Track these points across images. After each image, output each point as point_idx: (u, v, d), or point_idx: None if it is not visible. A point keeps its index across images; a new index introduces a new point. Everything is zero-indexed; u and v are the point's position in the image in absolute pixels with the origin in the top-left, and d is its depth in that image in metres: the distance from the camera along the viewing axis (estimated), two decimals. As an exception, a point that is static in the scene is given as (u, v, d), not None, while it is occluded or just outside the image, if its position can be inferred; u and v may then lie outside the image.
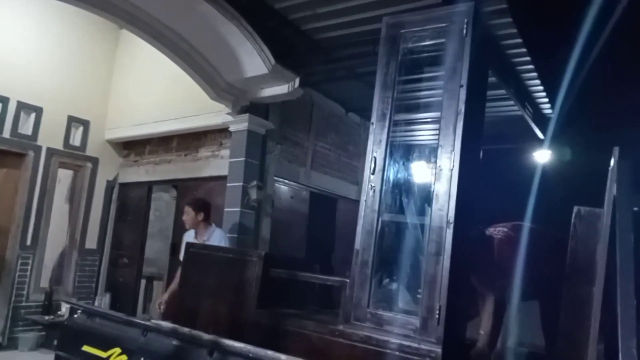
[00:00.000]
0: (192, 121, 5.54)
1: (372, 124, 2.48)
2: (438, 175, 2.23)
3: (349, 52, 4.84)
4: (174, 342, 2.11)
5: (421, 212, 2.31)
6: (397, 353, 2.08)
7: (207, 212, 4.01)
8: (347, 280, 2.36)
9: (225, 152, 5.57)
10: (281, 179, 5.62)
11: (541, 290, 2.66)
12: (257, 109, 5.10)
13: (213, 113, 5.24)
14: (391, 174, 2.42)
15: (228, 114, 5.02)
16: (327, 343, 2.28)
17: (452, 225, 2.15)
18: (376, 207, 2.37)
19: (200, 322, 2.68)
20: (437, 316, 2.10)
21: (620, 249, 1.60)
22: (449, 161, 2.21)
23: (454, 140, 2.23)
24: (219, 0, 3.82)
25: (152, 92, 6.12)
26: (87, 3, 3.74)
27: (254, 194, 4.92)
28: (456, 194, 2.17)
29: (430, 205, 2.25)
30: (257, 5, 4.10)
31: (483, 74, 2.62)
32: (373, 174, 2.41)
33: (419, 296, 2.19)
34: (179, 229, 5.01)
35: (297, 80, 4.70)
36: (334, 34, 4.53)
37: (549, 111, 5.96)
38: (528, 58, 4.61)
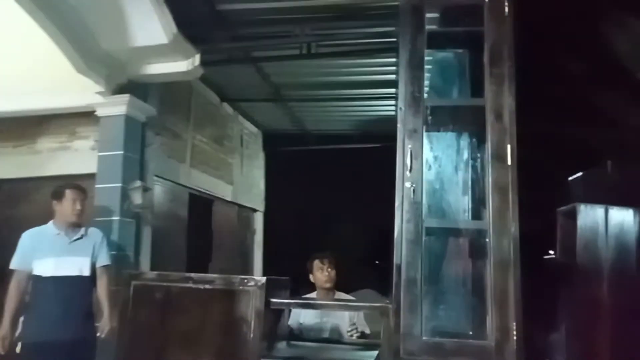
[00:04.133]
0: (33, 101, 4.06)
1: (401, 109, 2.02)
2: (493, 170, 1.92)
3: (253, 31, 4.19)
4: None
5: (475, 214, 1.96)
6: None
7: None
8: (389, 306, 1.86)
9: (81, 144, 4.29)
10: (161, 179, 4.57)
11: None
12: (136, 89, 3.99)
13: (70, 91, 3.91)
14: (432, 169, 2.01)
15: (98, 93, 3.79)
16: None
17: (517, 227, 1.87)
18: (419, 212, 1.93)
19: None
20: (514, 337, 1.79)
21: None
22: (503, 153, 1.92)
23: (507, 131, 1.95)
24: None
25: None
26: None
27: (138, 198, 3.84)
28: (517, 189, 1.90)
29: (485, 205, 1.93)
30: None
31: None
32: (410, 171, 1.96)
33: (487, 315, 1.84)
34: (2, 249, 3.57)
35: (198, 57, 3.82)
36: (245, 6, 3.82)
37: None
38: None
